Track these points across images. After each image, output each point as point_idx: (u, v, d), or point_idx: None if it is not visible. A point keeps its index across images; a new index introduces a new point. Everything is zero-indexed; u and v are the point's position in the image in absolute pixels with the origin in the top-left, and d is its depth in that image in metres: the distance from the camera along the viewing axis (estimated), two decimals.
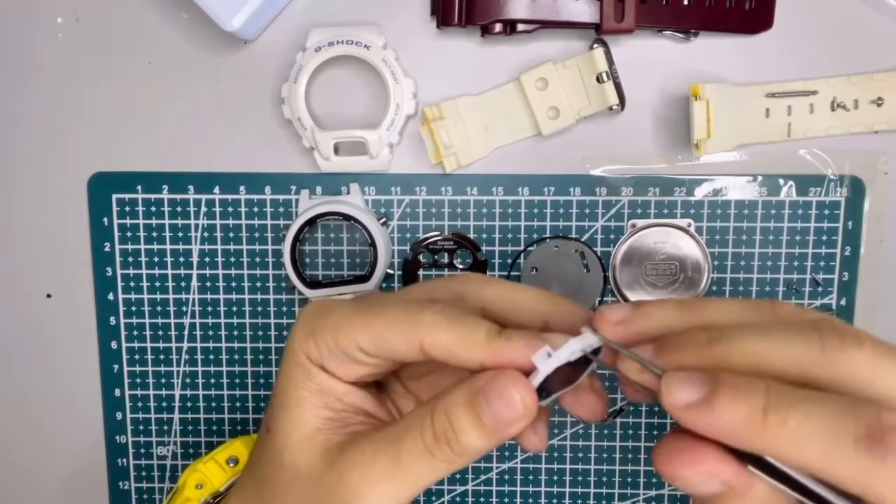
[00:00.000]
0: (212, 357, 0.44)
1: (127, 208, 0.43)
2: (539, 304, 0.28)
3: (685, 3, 0.39)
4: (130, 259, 0.43)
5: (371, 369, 0.28)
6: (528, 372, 0.25)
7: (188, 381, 0.44)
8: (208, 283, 0.43)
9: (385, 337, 0.26)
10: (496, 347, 0.25)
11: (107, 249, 0.43)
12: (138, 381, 0.44)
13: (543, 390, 0.25)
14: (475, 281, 0.30)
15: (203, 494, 0.36)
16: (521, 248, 0.42)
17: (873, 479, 0.19)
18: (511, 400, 0.24)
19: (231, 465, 0.36)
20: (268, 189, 0.42)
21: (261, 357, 0.44)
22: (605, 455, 0.43)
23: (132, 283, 0.43)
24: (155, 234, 0.43)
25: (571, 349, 0.24)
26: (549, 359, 0.24)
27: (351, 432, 0.28)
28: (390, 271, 0.42)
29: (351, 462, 0.26)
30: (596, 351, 0.26)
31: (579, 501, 0.44)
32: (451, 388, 0.26)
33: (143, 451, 0.45)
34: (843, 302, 0.42)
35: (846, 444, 0.19)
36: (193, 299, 0.43)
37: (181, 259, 0.43)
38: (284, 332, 0.43)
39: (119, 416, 0.44)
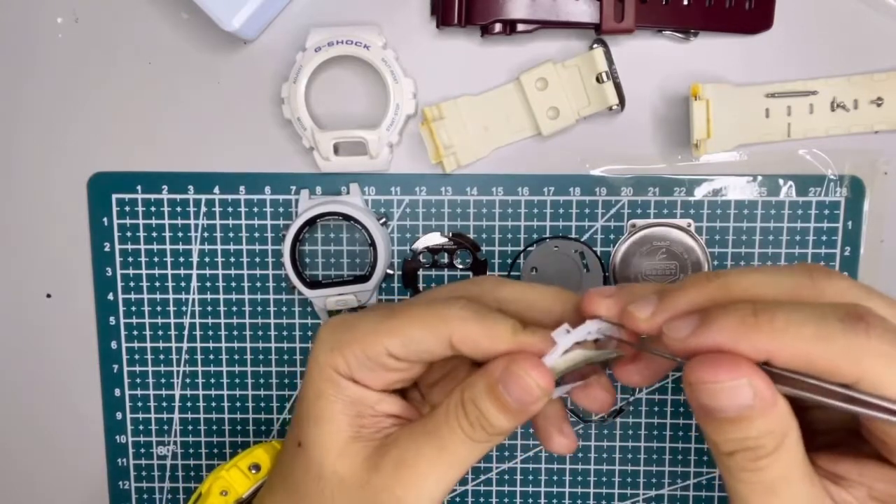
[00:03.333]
0: (212, 357, 0.44)
1: (127, 208, 0.43)
2: (553, 302, 0.29)
3: (685, 3, 0.39)
4: (130, 259, 0.43)
5: (400, 374, 0.29)
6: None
7: (188, 381, 0.44)
8: (208, 283, 0.43)
9: (414, 337, 0.27)
10: (521, 340, 0.27)
11: (107, 249, 0.43)
12: (138, 381, 0.44)
13: (558, 381, 0.27)
14: (490, 282, 0.31)
15: (228, 501, 0.36)
16: (521, 248, 0.42)
17: (863, 351, 0.21)
18: (527, 386, 0.26)
19: (253, 471, 0.37)
20: (268, 189, 0.42)
21: (261, 357, 0.44)
22: (605, 455, 0.43)
23: (132, 283, 0.43)
24: (155, 234, 0.43)
25: (589, 328, 0.26)
26: (567, 334, 0.26)
27: (385, 435, 0.29)
28: (390, 271, 0.42)
29: (397, 460, 0.27)
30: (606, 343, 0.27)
31: (579, 501, 0.44)
32: (472, 379, 0.27)
33: (143, 451, 0.45)
34: None
35: (833, 324, 0.21)
36: (193, 299, 0.43)
37: (181, 259, 0.43)
38: (284, 332, 0.43)
39: (119, 416, 0.44)
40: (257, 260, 0.43)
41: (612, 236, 0.42)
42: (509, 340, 0.26)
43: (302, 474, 0.29)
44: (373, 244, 0.40)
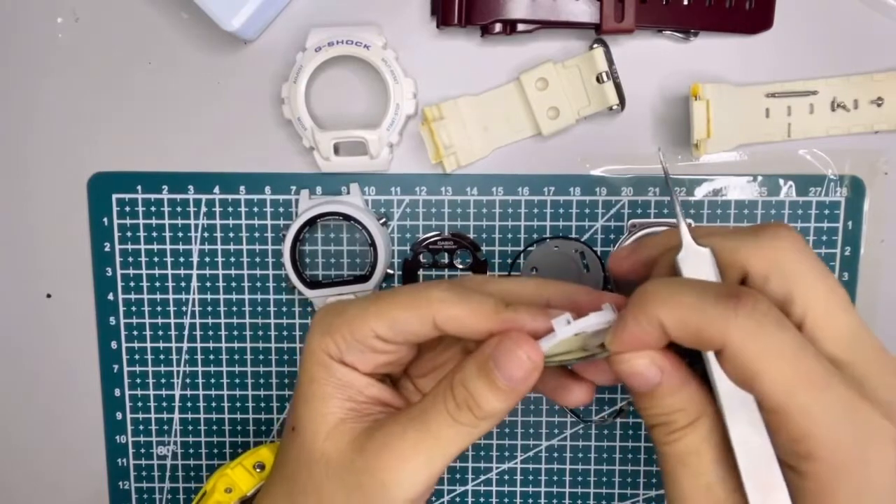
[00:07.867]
0: (212, 357, 0.44)
1: (127, 208, 0.43)
2: (537, 290, 0.30)
3: (685, 3, 0.39)
4: (130, 259, 0.43)
5: (388, 357, 0.29)
6: (535, 339, 0.26)
7: (188, 381, 0.44)
8: (208, 283, 0.43)
9: (398, 319, 0.28)
10: (505, 317, 0.27)
11: (107, 249, 0.43)
12: (138, 381, 0.44)
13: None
14: (477, 279, 0.32)
15: (232, 498, 0.36)
16: (521, 248, 0.42)
17: (729, 325, 0.22)
18: (518, 358, 0.26)
19: (258, 470, 0.37)
20: (268, 189, 0.42)
21: (261, 357, 0.44)
22: (605, 455, 0.43)
23: (132, 283, 0.43)
24: (155, 234, 0.43)
25: (589, 322, 0.26)
26: (567, 325, 0.26)
27: (374, 420, 0.29)
28: (390, 271, 0.42)
29: (381, 443, 0.28)
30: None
31: (579, 501, 0.44)
32: (463, 362, 0.27)
33: (143, 451, 0.45)
34: None
35: (710, 298, 0.23)
36: (193, 299, 0.43)
37: (181, 259, 0.43)
38: (284, 332, 0.43)
39: (119, 416, 0.44)
40: (257, 260, 0.43)
41: (612, 236, 0.42)
42: (493, 317, 0.27)
43: (294, 458, 0.30)
44: (373, 244, 0.40)
